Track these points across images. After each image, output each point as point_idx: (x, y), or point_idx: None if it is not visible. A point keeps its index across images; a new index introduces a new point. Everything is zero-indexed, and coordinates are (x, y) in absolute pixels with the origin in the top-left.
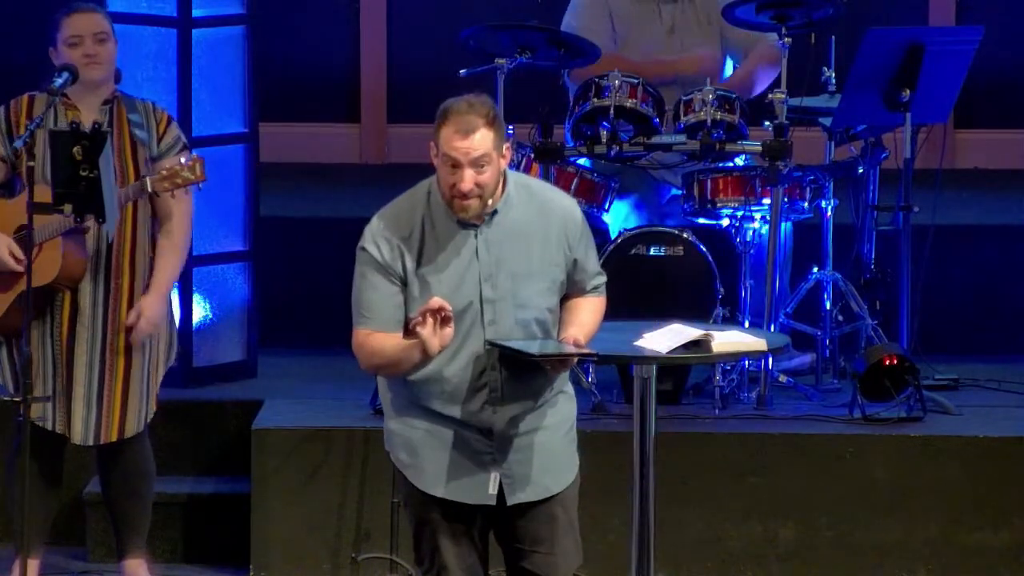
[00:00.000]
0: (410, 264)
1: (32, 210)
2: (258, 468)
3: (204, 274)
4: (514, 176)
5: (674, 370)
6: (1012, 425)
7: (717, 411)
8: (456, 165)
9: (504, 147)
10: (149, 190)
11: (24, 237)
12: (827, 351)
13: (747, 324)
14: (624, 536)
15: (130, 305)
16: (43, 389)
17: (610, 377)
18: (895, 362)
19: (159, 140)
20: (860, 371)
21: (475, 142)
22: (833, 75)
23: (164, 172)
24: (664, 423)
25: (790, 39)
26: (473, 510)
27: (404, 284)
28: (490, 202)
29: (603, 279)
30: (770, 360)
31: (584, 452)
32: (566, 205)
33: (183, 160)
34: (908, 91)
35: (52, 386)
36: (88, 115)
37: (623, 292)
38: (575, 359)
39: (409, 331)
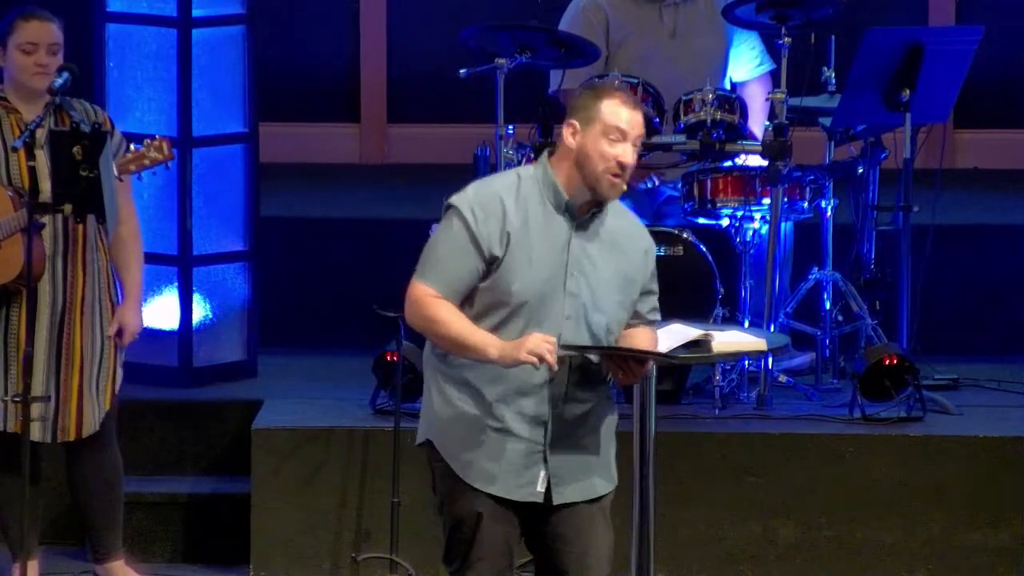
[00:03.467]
0: (503, 241)
1: (32, 210)
2: (258, 468)
3: (204, 274)
4: None
5: (674, 370)
6: (1012, 425)
7: (717, 411)
8: (622, 137)
9: None
10: (115, 174)
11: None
12: (827, 351)
13: (747, 324)
14: (624, 536)
15: (83, 305)
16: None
17: None
18: (895, 362)
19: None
20: (860, 371)
21: (639, 118)
22: (833, 75)
23: (130, 154)
24: (664, 423)
25: (790, 39)
26: (516, 510)
27: (486, 261)
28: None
29: (658, 314)
30: (770, 360)
31: None
32: (648, 235)
33: (146, 140)
34: (908, 91)
35: (6, 386)
36: (30, 118)
37: None
38: (646, 368)
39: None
